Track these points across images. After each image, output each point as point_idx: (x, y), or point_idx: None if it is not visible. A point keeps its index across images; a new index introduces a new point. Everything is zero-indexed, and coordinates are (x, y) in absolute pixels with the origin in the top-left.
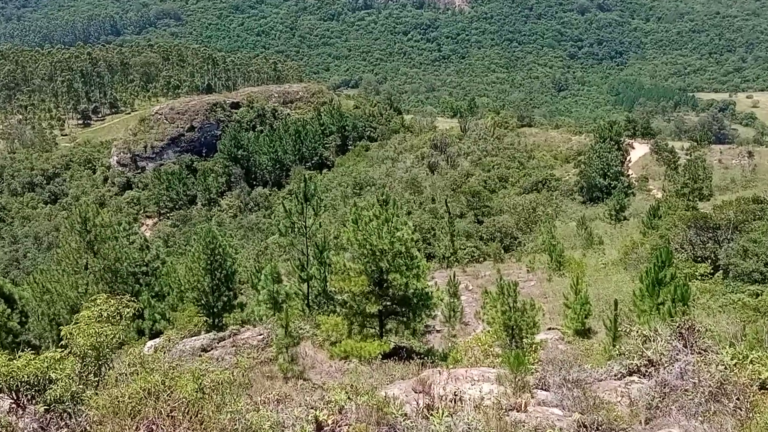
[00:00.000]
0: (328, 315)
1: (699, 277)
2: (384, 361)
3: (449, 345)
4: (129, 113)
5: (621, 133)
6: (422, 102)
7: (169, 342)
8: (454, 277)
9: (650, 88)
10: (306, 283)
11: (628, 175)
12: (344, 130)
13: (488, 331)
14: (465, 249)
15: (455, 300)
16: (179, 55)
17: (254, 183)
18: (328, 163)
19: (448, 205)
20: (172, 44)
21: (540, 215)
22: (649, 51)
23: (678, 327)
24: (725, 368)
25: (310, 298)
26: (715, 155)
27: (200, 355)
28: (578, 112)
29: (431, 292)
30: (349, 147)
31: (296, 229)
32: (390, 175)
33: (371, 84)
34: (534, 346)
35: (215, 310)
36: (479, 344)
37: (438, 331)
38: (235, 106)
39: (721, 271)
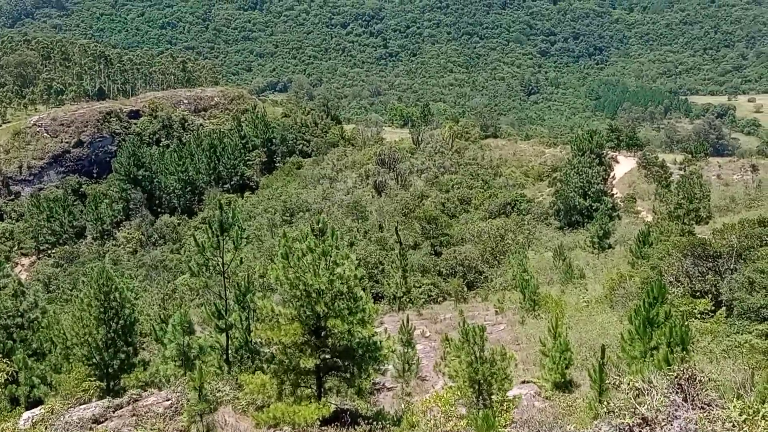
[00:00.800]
0: (253, 373)
1: (698, 316)
2: (323, 428)
3: (403, 406)
4: None
5: (603, 144)
6: (366, 109)
7: (52, 413)
8: (408, 321)
9: (636, 91)
10: (224, 334)
11: (613, 195)
12: (271, 143)
13: (450, 388)
14: (420, 287)
15: (410, 350)
16: (63, 52)
17: (159, 210)
18: (251, 184)
19: (399, 233)
20: (54, 39)
21: (509, 244)
22: (633, 47)
23: (676, 377)
24: (733, 425)
25: (229, 352)
26: (713, 170)
27: (91, 429)
28: (552, 119)
29: (380, 342)
30: (277, 164)
31: (212, 267)
32: (328, 198)
33: (303, 87)
34: (506, 404)
35: (110, 370)
36: (440, 404)
37: (389, 389)
38: (135, 115)
39: (724, 308)
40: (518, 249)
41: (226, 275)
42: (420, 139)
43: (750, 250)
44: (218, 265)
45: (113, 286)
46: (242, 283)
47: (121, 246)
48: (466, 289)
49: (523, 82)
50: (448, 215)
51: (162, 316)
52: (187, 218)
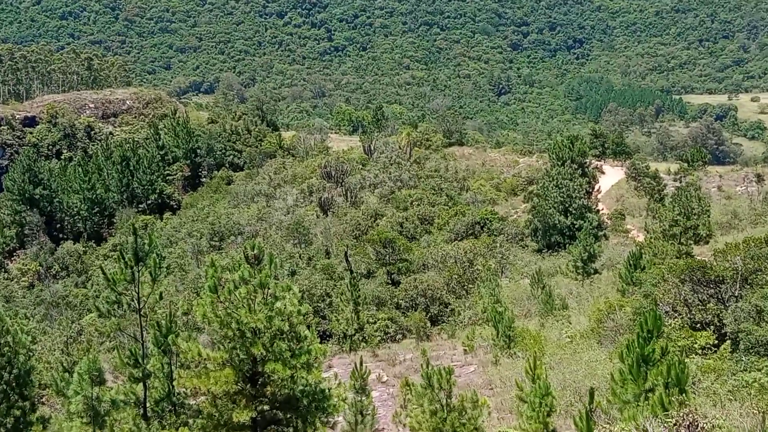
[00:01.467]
0: (177, 430)
1: (699, 351)
2: None
3: None
4: None
5: (586, 152)
6: (308, 113)
7: None
8: (362, 364)
9: (622, 90)
10: (141, 384)
11: (598, 211)
12: (195, 154)
13: None
14: (375, 323)
15: (364, 398)
16: None
17: (60, 236)
18: (172, 203)
19: (350, 259)
20: None
21: (479, 271)
22: (618, 38)
23: (675, 424)
24: None
25: (148, 405)
26: (713, 180)
27: None
28: (527, 123)
29: (328, 389)
30: (203, 179)
31: (125, 304)
32: (264, 218)
33: (233, 88)
34: None
35: (2, 430)
36: None
37: None
38: (30, 122)
39: (728, 342)
40: (490, 276)
41: (142, 313)
42: (372, 148)
43: (757, 273)
44: (133, 301)
45: (4, 329)
46: (162, 322)
47: (15, 280)
48: (429, 324)
49: (492, 80)
50: (406, 237)
51: (65, 364)
52: (94, 245)
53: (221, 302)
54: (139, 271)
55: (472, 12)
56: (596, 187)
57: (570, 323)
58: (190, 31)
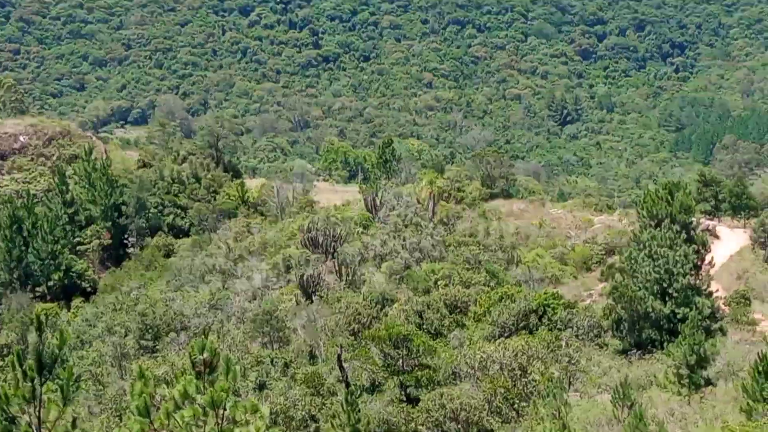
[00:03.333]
0: None
1: None
2: None
3: None
4: None
5: (692, 207)
6: (284, 151)
7: None
8: None
9: (744, 116)
10: None
11: (711, 293)
12: (119, 214)
13: None
14: None
15: None
16: None
17: None
18: (85, 285)
19: (345, 366)
20: None
21: (536, 382)
22: (737, 42)
23: None
24: None
25: None
26: None
27: None
28: (604, 165)
29: None
30: (131, 250)
31: None
32: (220, 306)
33: (175, 116)
34: None
35: None
36: None
37: None
38: None
39: None
40: (552, 390)
41: None
42: (379, 203)
43: None
44: (32, 429)
45: None
46: None
47: None
48: None
49: (554, 103)
50: (429, 333)
51: None
52: None
53: (156, 431)
54: (40, 386)
55: (523, 5)
56: (708, 259)
57: None
58: (113, 36)
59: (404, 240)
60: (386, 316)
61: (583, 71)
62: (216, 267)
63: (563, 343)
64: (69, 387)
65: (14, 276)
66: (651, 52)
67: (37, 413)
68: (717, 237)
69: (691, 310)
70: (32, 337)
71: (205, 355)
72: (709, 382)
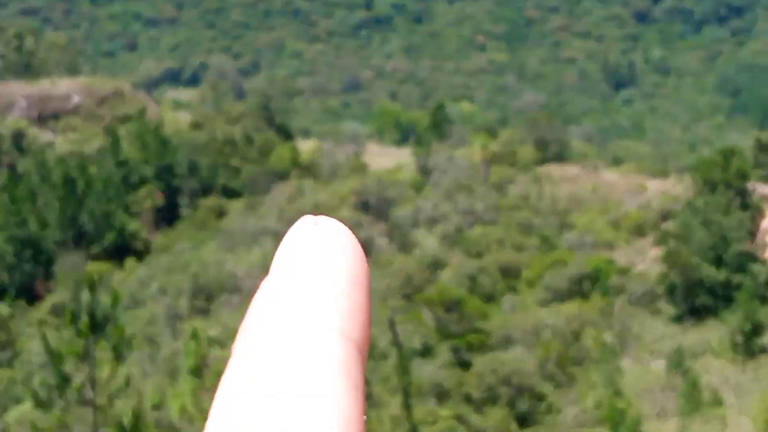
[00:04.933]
0: None
1: None
2: None
3: None
4: None
5: (747, 173)
6: (336, 113)
7: None
8: None
9: None
10: None
11: (766, 260)
12: (172, 175)
13: None
14: (436, 423)
15: None
16: None
17: None
18: (138, 245)
19: (395, 329)
20: None
21: (589, 348)
22: None
23: None
24: None
25: None
26: None
27: None
28: (659, 131)
29: None
30: (183, 210)
31: (74, 391)
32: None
33: (227, 77)
34: None
35: None
36: None
37: None
38: None
39: None
40: (605, 356)
41: (97, 406)
42: (431, 167)
43: None
44: (85, 387)
45: None
46: (126, 420)
47: None
48: (515, 426)
49: (608, 66)
50: (481, 297)
51: None
52: (26, 304)
53: (208, 391)
54: (93, 344)
55: None
56: (764, 226)
57: (726, 425)
58: None
59: (456, 203)
60: (438, 279)
61: (638, 34)
62: (268, 229)
63: (616, 309)
64: (121, 346)
65: (68, 235)
66: (707, 15)
67: (89, 372)
68: None
69: (746, 276)
70: (86, 296)
71: None
72: (764, 350)
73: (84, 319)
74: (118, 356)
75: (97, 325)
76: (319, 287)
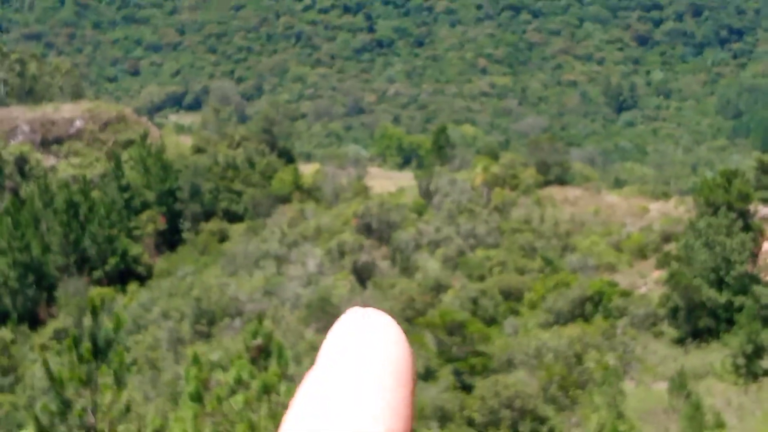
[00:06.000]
0: None
1: None
2: None
3: None
4: None
5: (749, 195)
6: (338, 137)
7: None
8: None
9: None
10: None
11: None
12: (174, 199)
13: None
14: None
15: None
16: None
17: None
18: (141, 269)
19: None
20: None
21: (592, 370)
22: None
23: None
24: None
25: None
26: None
27: None
28: (660, 152)
29: None
30: (185, 234)
31: (75, 417)
32: (274, 292)
33: (229, 101)
34: None
35: None
36: None
37: None
38: None
39: None
40: (607, 378)
41: (99, 430)
42: (433, 189)
43: None
44: (87, 413)
45: None
46: None
47: None
48: None
49: (610, 89)
50: (483, 320)
51: None
52: (28, 330)
53: (209, 416)
54: (95, 368)
55: None
56: (766, 247)
57: None
58: (167, 20)
59: (458, 226)
60: (440, 302)
61: (639, 57)
62: (270, 252)
63: (619, 332)
64: (123, 371)
65: (71, 260)
66: (709, 37)
67: (91, 397)
68: None
69: (748, 298)
70: (88, 321)
71: (258, 340)
72: (766, 372)
73: (86, 344)
74: (120, 381)
75: (99, 351)
76: (365, 381)
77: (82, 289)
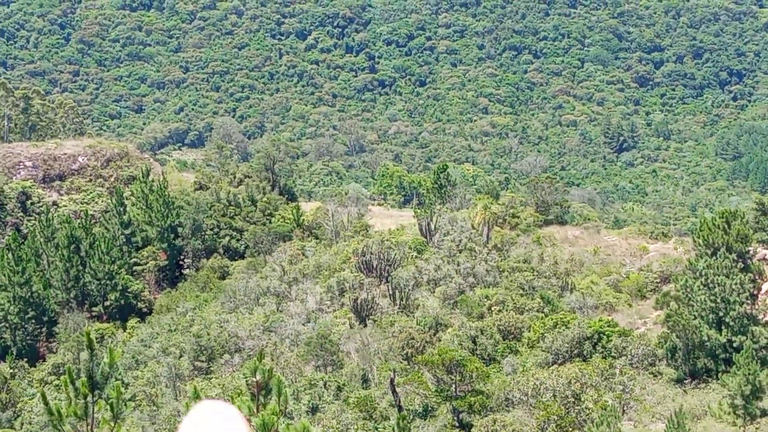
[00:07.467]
0: None
1: None
2: None
3: None
4: None
5: (748, 236)
6: (339, 175)
7: None
8: None
9: None
10: None
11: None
12: (175, 235)
13: None
14: None
15: None
16: None
17: None
18: (141, 305)
19: (398, 391)
20: None
21: (590, 410)
22: None
23: None
24: None
25: None
26: None
27: None
28: (660, 193)
29: None
30: (186, 271)
31: None
32: (274, 329)
33: (232, 139)
34: None
35: None
36: None
37: None
38: None
39: None
40: (606, 418)
41: None
42: (433, 228)
43: None
44: None
45: None
46: None
47: None
48: None
49: (610, 130)
50: (482, 359)
51: None
52: (27, 365)
53: None
54: (93, 403)
55: (580, 31)
56: (765, 288)
57: None
58: (171, 58)
59: (458, 265)
60: (439, 340)
61: (639, 98)
62: (270, 289)
63: (617, 371)
64: (119, 405)
65: (71, 295)
66: (708, 79)
67: (88, 430)
68: None
69: (746, 339)
70: (85, 355)
71: (258, 377)
72: (764, 413)
73: (82, 379)
74: (117, 416)
75: (96, 385)
76: None
77: (82, 325)
